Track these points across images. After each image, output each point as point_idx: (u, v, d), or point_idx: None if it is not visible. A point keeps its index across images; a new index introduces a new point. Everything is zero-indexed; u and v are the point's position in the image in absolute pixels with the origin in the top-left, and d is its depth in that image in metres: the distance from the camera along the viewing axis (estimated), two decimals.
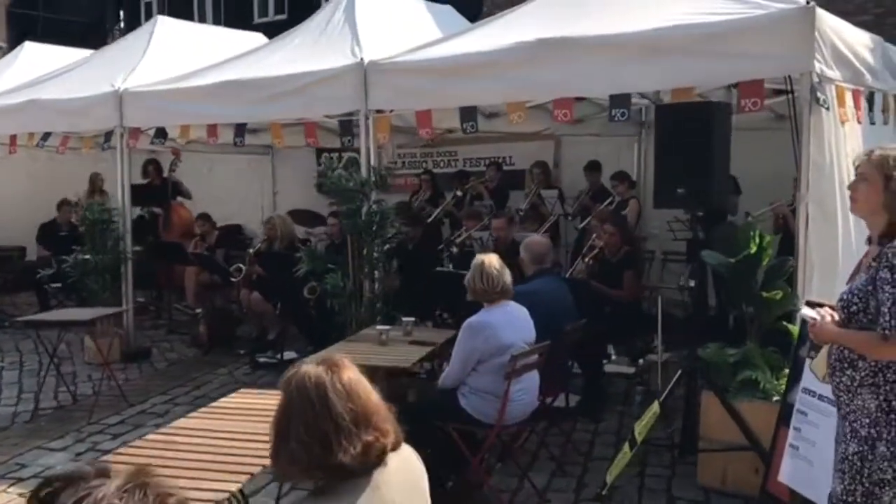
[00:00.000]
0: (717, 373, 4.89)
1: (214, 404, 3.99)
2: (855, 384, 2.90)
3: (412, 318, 5.65)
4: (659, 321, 6.38)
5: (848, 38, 5.38)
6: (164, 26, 9.97)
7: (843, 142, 5.12)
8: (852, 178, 3.11)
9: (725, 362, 4.78)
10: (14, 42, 19.61)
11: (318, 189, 9.35)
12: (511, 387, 4.46)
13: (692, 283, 4.83)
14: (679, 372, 4.97)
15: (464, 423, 4.57)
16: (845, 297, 2.94)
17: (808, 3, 4.83)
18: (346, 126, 6.95)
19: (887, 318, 2.74)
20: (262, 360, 8.16)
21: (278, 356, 8.12)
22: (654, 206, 5.29)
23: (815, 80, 4.84)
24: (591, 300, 6.28)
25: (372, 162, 6.60)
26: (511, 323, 4.63)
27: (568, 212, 9.15)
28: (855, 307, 2.88)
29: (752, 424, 4.69)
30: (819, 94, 4.82)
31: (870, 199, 2.94)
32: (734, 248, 4.80)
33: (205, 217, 10.54)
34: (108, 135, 8.53)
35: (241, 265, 9.02)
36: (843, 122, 5.16)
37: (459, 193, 10.16)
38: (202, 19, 22.46)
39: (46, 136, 9.23)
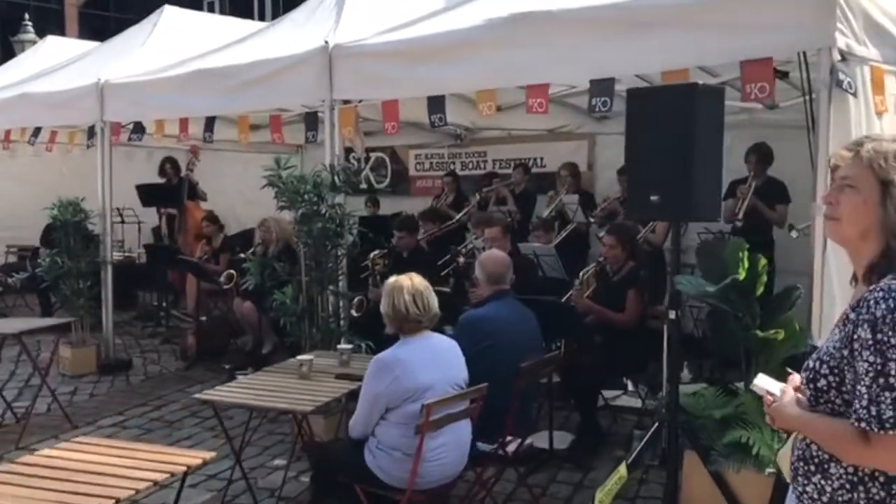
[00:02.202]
0: (703, 428, 3.86)
1: (26, 459, 3.19)
2: (824, 499, 1.89)
3: (349, 346, 4.78)
4: (665, 348, 5.36)
5: (892, 8, 4.26)
6: (170, 16, 9.37)
7: None
8: None
9: (710, 417, 3.75)
10: None
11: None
12: (427, 443, 3.55)
13: (672, 315, 3.80)
14: (655, 424, 3.96)
15: (370, 485, 3.69)
16: (811, 364, 1.92)
17: None
18: (312, 119, 6.13)
19: (865, 402, 1.75)
20: (239, 376, 7.41)
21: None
22: (626, 215, 4.27)
23: (837, 58, 3.76)
24: (577, 325, 5.30)
25: (336, 161, 5.76)
26: (432, 359, 3.71)
27: (591, 220, 8.11)
28: (824, 381, 1.87)
29: (742, 498, 3.66)
30: (841, 76, 3.75)
31: (858, 218, 1.89)
32: (719, 272, 3.75)
33: (211, 218, 9.91)
34: (92, 129, 7.96)
35: (233, 272, 8.33)
36: (879, 114, 4.06)
37: (479, 196, 9.25)
38: (262, 17, 22.13)
39: (37, 131, 8.73)
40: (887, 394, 1.73)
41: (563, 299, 5.72)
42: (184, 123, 7.14)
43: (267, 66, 6.10)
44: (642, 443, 3.95)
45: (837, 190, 1.94)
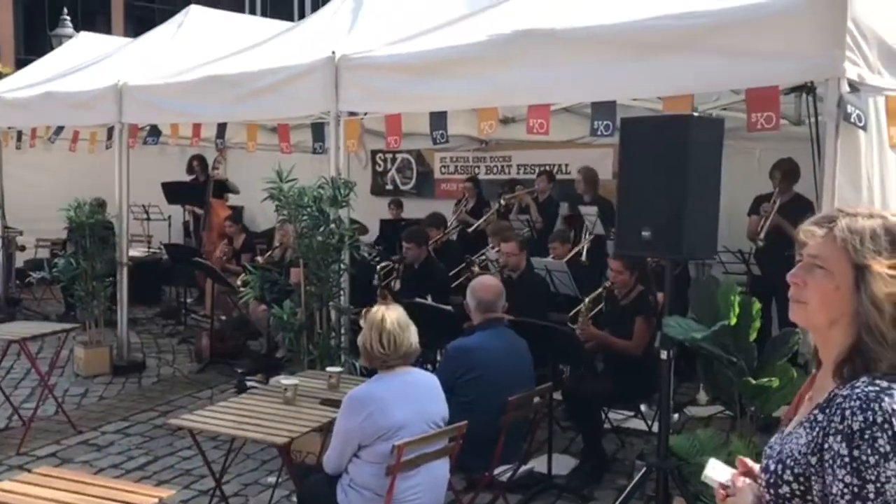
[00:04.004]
0: (693, 474, 3.69)
1: None
2: None
3: (339, 369, 4.67)
4: (671, 374, 5.16)
5: None
6: (196, 16, 9.37)
7: (893, 174, 3.80)
8: None
9: (700, 464, 3.56)
10: (133, 34, 19.83)
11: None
12: (399, 483, 3.44)
13: (664, 355, 3.62)
14: (643, 469, 3.80)
15: None
16: (772, 466, 1.71)
17: None
18: (319, 130, 6.02)
19: None
20: (249, 383, 7.37)
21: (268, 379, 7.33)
22: (616, 251, 4.10)
23: (846, 89, 3.54)
24: (578, 352, 5.13)
25: (341, 173, 5.66)
26: (408, 396, 3.58)
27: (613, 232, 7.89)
28: (787, 488, 1.66)
29: None
30: (850, 108, 3.52)
31: (828, 305, 1.68)
32: (709, 316, 3.55)
33: (234, 218, 9.92)
34: (111, 131, 7.97)
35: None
36: (894, 146, 3.83)
37: (502, 203, 9.09)
38: (302, 15, 22.11)
39: (59, 129, 8.79)
40: None
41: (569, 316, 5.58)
42: (196, 128, 7.09)
43: (274, 74, 6.01)
44: (629, 487, 3.79)
45: (805, 269, 1.72)
